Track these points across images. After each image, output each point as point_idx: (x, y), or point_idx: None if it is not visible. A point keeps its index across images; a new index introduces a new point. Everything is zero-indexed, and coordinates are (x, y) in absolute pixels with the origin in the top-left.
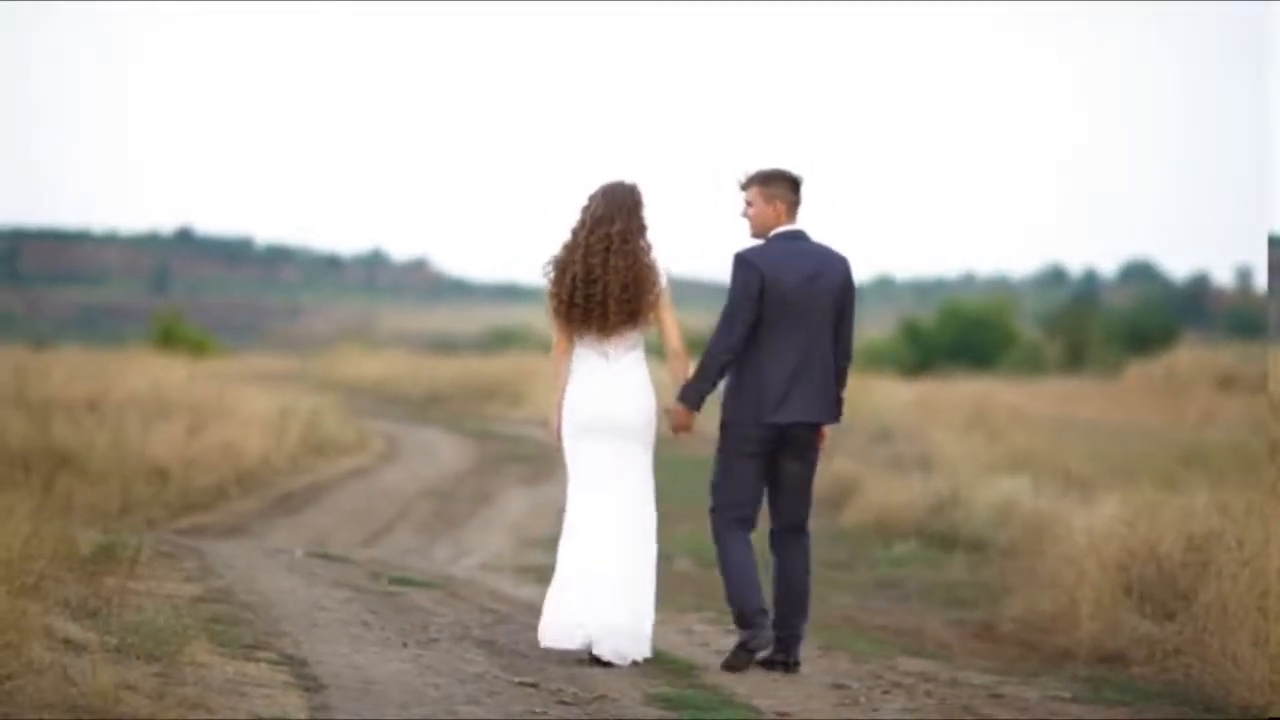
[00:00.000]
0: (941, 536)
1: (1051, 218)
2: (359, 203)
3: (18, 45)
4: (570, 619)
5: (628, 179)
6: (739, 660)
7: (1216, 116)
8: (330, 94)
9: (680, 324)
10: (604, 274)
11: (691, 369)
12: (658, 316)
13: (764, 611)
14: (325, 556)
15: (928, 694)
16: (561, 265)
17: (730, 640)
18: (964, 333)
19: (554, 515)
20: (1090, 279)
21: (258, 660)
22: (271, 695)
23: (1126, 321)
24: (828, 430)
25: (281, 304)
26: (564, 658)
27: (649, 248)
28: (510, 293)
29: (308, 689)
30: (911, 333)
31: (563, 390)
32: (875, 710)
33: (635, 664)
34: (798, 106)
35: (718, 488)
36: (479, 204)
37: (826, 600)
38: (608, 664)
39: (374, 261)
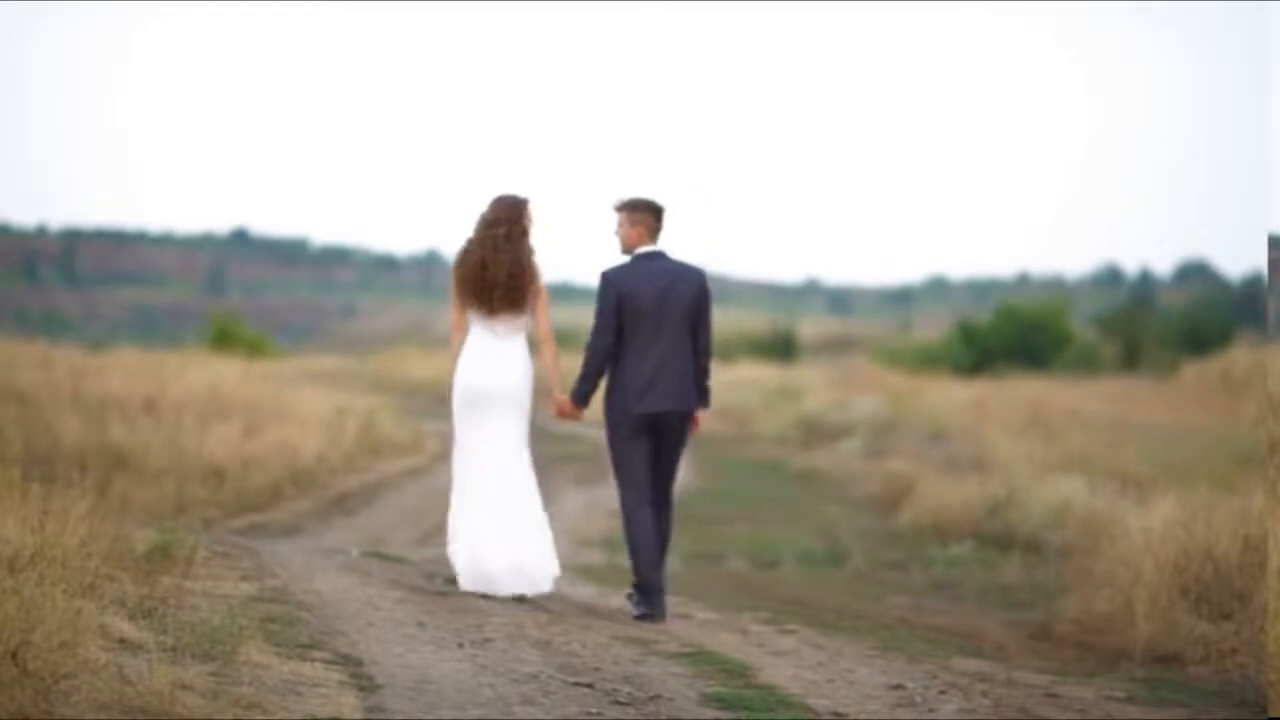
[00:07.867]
0: (997, 537)
1: (1107, 218)
2: (414, 203)
3: (73, 46)
4: (484, 565)
5: (519, 194)
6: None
7: None
8: (387, 95)
9: (551, 322)
10: (493, 265)
11: (562, 359)
12: (534, 310)
13: (661, 590)
14: (381, 556)
15: (984, 694)
16: (464, 254)
17: (786, 641)
18: (1019, 333)
19: (609, 516)
20: (1146, 279)
21: (313, 660)
22: (327, 695)
23: (1182, 322)
24: (700, 415)
25: (337, 305)
26: (619, 658)
27: (531, 251)
28: (564, 292)
29: (363, 689)
30: (966, 334)
31: (456, 360)
32: (932, 710)
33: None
34: (855, 108)
35: (615, 471)
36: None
37: (882, 600)
38: (520, 598)
39: (430, 262)
